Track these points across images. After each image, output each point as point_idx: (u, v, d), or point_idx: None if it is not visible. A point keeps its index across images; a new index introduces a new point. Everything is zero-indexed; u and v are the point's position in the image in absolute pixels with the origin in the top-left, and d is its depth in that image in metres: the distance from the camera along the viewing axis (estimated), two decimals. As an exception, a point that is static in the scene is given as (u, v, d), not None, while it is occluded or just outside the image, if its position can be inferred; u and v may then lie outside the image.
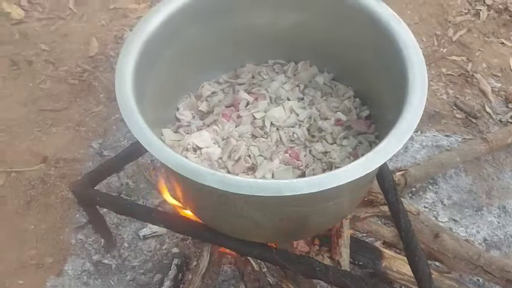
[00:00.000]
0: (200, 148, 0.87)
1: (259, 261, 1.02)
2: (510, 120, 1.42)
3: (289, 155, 0.87)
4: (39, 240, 1.21)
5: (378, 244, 1.11)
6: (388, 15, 0.81)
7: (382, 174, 0.93)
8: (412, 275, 0.85)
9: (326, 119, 0.93)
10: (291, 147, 0.89)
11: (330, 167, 0.86)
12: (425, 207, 1.23)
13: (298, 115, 0.92)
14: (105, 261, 1.17)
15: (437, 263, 1.08)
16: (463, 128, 1.41)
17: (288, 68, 1.02)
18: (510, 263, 1.02)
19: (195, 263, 1.12)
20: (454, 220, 1.21)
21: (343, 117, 0.92)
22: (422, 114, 0.70)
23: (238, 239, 0.84)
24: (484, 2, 1.73)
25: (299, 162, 0.86)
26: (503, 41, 1.64)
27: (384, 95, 0.87)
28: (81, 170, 1.31)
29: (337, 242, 0.95)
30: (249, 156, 0.86)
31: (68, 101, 1.45)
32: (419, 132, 1.39)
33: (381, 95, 0.89)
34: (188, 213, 0.93)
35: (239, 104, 0.95)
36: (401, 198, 0.91)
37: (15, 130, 1.39)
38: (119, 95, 0.73)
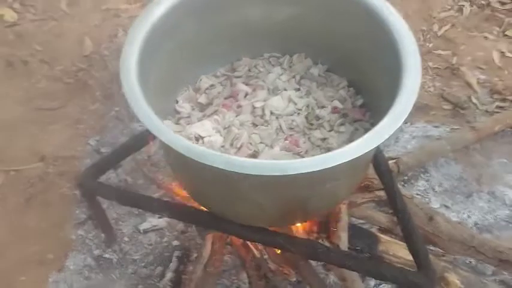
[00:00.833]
0: (202, 137, 0.89)
1: (260, 248, 1.04)
2: (496, 110, 1.47)
3: (289, 142, 0.90)
4: (40, 237, 1.22)
5: (373, 230, 1.14)
6: (382, 5, 0.84)
7: (378, 159, 0.97)
8: (409, 258, 0.88)
9: (323, 107, 0.96)
10: (290, 134, 0.92)
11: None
12: (417, 194, 1.27)
13: (296, 104, 0.95)
14: (106, 255, 1.18)
15: (431, 247, 1.11)
16: (450, 118, 1.46)
17: (283, 60, 1.05)
18: (502, 243, 1.06)
19: (195, 254, 1.15)
20: (446, 206, 1.25)
21: (340, 105, 0.95)
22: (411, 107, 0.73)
23: (242, 224, 0.87)
24: (467, -2, 1.80)
25: (299, 148, 0.89)
26: (486, 35, 1.70)
27: (378, 83, 0.90)
28: (79, 167, 1.32)
29: (336, 226, 0.99)
30: (251, 143, 0.89)
31: (64, 99, 1.46)
32: (408, 123, 1.43)
33: (375, 84, 0.92)
34: (191, 202, 0.95)
35: (238, 95, 0.98)
36: (396, 183, 0.94)
37: (12, 129, 1.40)
38: (124, 82, 0.74)
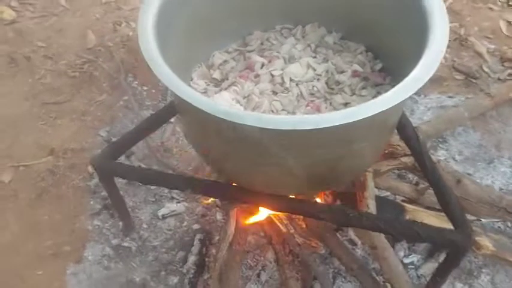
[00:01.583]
0: (222, 108, 0.87)
1: (286, 223, 1.01)
2: (508, 78, 1.45)
3: (311, 108, 0.88)
4: (55, 230, 1.19)
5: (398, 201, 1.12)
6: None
7: (403, 123, 0.94)
8: (437, 225, 0.85)
9: (342, 72, 0.93)
10: (311, 100, 0.90)
11: (353, 116, 0.86)
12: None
13: (315, 70, 0.93)
14: (125, 244, 1.15)
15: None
16: (464, 88, 1.44)
17: (296, 31, 1.03)
18: (531, 203, 1.04)
19: (217, 237, 1.12)
20: (468, 174, 1.22)
21: (360, 69, 0.93)
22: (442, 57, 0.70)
23: (270, 194, 0.84)
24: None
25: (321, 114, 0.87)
26: (491, 5, 1.69)
27: (400, 46, 0.88)
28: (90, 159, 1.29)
29: (363, 195, 0.96)
30: (272, 111, 0.87)
31: (70, 93, 1.43)
32: (422, 95, 1.41)
33: (396, 47, 0.90)
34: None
35: (254, 66, 0.96)
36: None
37: (19, 125, 1.37)
38: (153, 66, 0.71)
